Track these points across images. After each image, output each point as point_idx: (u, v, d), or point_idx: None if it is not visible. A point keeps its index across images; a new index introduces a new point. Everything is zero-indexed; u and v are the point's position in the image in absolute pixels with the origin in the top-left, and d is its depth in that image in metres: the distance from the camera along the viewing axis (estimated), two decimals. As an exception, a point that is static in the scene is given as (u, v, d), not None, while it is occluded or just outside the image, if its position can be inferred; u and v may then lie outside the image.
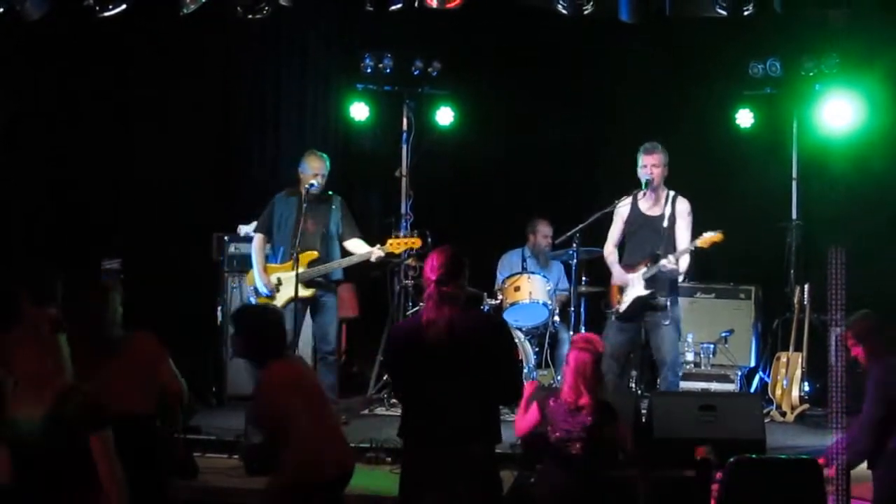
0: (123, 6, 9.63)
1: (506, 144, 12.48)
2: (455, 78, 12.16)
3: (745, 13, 9.53)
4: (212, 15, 10.06)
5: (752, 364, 11.47)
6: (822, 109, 11.42)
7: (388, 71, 11.83)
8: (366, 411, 10.65)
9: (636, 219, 9.66)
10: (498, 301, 10.97)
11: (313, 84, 12.48)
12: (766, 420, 9.69)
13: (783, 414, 10.63)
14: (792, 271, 11.44)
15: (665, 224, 9.52)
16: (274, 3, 9.86)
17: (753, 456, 7.63)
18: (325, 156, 10.07)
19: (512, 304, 10.83)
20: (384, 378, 10.90)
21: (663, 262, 9.33)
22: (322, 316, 9.98)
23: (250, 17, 9.95)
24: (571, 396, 7.22)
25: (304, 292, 9.81)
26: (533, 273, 11.03)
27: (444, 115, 12.30)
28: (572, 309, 10.43)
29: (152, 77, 11.52)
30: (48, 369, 5.58)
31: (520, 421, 7.49)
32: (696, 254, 9.57)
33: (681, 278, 9.92)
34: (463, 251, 6.24)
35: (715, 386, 11.00)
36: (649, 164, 9.52)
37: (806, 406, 10.61)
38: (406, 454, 6.21)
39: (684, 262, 9.49)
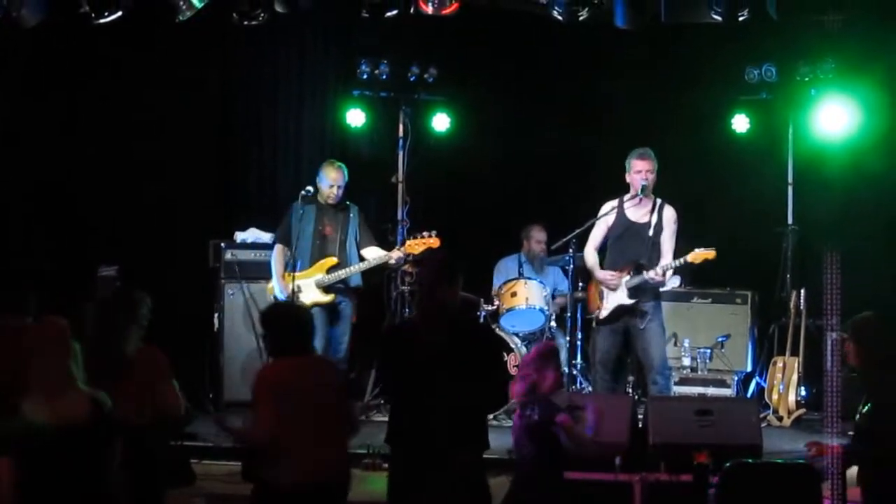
0: (119, 13, 9.61)
1: (502, 150, 12.49)
2: (451, 84, 12.18)
3: (741, 19, 9.53)
4: (208, 21, 10.06)
5: (749, 369, 11.48)
6: (818, 114, 11.42)
7: (384, 77, 11.84)
8: (363, 417, 10.65)
9: (621, 224, 9.68)
10: (494, 307, 10.98)
11: (310, 90, 12.47)
12: (763, 425, 9.70)
13: (780, 418, 10.64)
14: (788, 276, 11.45)
15: (651, 233, 9.55)
16: (270, 9, 9.86)
17: (750, 461, 7.64)
18: (342, 165, 10.17)
19: (508, 310, 10.85)
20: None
21: (650, 274, 9.36)
22: (338, 324, 10.08)
23: (246, 23, 9.95)
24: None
25: (324, 298, 9.86)
26: (529, 279, 11.05)
27: (441, 122, 12.31)
28: (569, 314, 10.44)
29: (149, 84, 11.52)
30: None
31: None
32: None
33: (673, 282, 9.97)
34: (459, 257, 6.25)
35: (711, 391, 11.02)
36: (644, 170, 9.54)
37: (802, 410, 10.63)
38: (393, 460, 6.21)
39: (669, 274, 9.53)
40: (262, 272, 11.06)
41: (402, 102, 11.93)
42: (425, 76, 11.89)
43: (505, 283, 11.09)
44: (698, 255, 9.39)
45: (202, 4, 9.68)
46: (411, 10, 9.84)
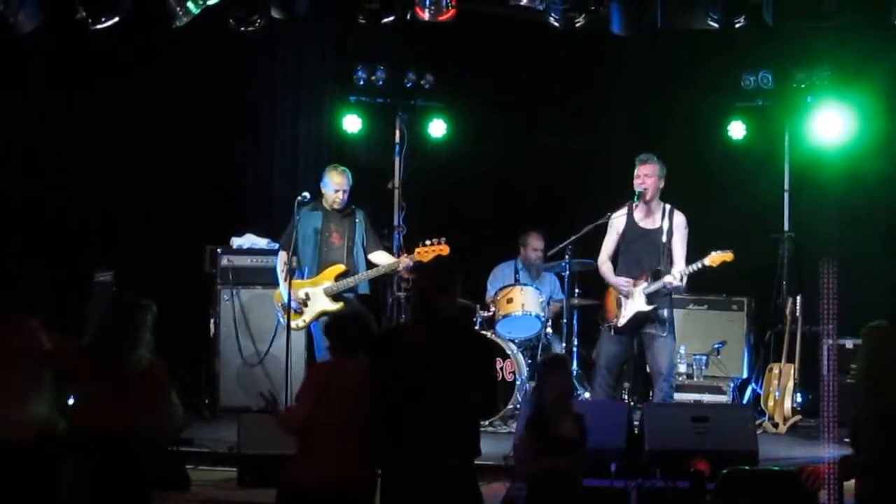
0: (116, 19, 9.62)
1: (498, 156, 12.48)
2: (448, 90, 12.18)
3: (737, 26, 9.55)
4: (205, 27, 10.06)
5: (745, 375, 11.48)
6: (814, 121, 11.45)
7: (380, 83, 11.85)
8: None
9: (631, 231, 9.67)
10: (491, 313, 10.98)
11: (306, 96, 12.47)
12: (759, 431, 9.69)
13: (775, 425, 10.64)
14: (784, 283, 11.46)
15: (664, 239, 9.55)
16: (267, 15, 9.87)
17: (747, 468, 7.64)
18: (346, 170, 10.15)
19: (505, 316, 10.85)
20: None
21: (668, 279, 9.37)
22: None
23: (243, 29, 9.96)
24: None
25: (333, 306, 9.82)
26: (526, 285, 11.05)
27: (437, 127, 12.31)
28: (565, 321, 10.44)
29: (145, 89, 11.52)
30: None
31: None
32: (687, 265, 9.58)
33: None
34: (455, 263, 6.26)
35: (707, 397, 11.01)
36: (642, 175, 9.55)
37: (798, 417, 10.63)
38: (385, 465, 6.20)
39: (685, 279, 9.54)
40: (258, 278, 11.08)
41: (398, 108, 11.93)
42: (422, 82, 11.89)
43: (501, 289, 11.09)
44: (716, 258, 9.40)
45: (199, 10, 9.69)
46: (408, 17, 9.85)
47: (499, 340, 10.65)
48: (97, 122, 11.51)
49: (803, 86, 11.34)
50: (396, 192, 11.70)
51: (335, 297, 9.91)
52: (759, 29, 9.68)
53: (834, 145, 11.35)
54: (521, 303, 10.84)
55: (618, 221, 9.74)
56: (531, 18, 10.03)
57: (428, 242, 9.86)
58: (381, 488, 6.18)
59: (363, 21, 9.88)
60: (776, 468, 7.92)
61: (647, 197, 9.59)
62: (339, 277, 9.96)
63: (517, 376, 10.53)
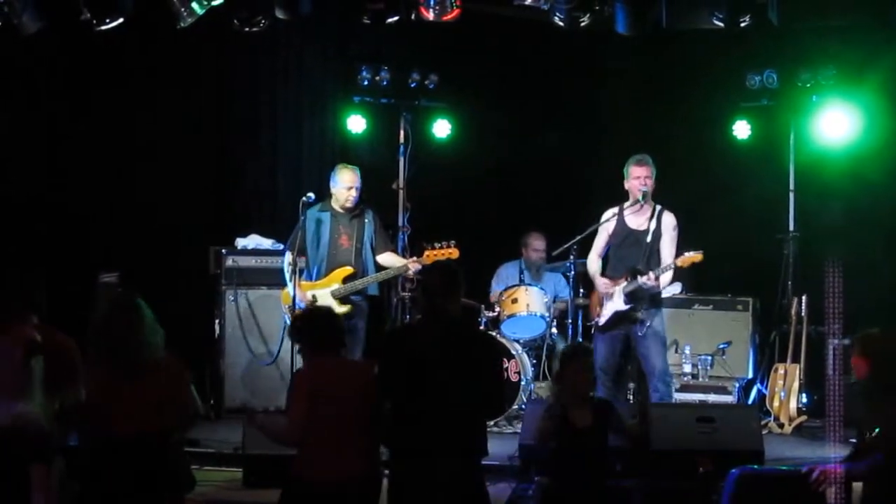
0: (120, 20, 9.63)
1: (503, 156, 12.50)
2: (452, 90, 12.18)
3: (742, 25, 9.55)
4: (208, 28, 10.07)
5: (750, 376, 11.45)
6: (819, 121, 11.44)
7: (384, 83, 11.84)
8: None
9: (621, 232, 9.67)
10: (495, 313, 10.97)
11: (310, 97, 12.47)
12: (764, 432, 9.68)
13: (781, 426, 10.62)
14: (789, 283, 11.42)
15: (649, 239, 9.53)
16: (271, 16, 9.88)
17: (755, 467, 7.62)
18: (357, 168, 10.11)
19: (509, 317, 10.84)
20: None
21: (643, 279, 9.33)
22: (351, 337, 9.94)
23: (247, 30, 9.97)
24: None
25: (340, 309, 9.80)
26: (530, 285, 11.04)
27: (441, 128, 12.30)
28: (569, 321, 10.44)
29: (149, 90, 11.53)
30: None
31: None
32: (692, 267, 9.55)
33: (674, 289, 9.97)
34: (460, 263, 6.26)
35: (713, 398, 10.99)
36: (643, 177, 9.52)
37: (804, 418, 10.61)
38: (392, 464, 6.21)
39: (665, 279, 9.50)
40: (263, 278, 11.07)
41: (402, 109, 11.91)
42: (426, 82, 11.88)
43: (506, 289, 11.08)
44: (686, 258, 9.36)
45: (203, 11, 9.69)
46: (412, 17, 9.85)
47: (503, 341, 10.64)
48: (101, 123, 11.51)
49: (808, 85, 11.33)
50: (401, 192, 11.67)
51: (343, 299, 9.89)
52: (764, 28, 9.67)
53: (839, 144, 11.34)
54: (526, 303, 10.84)
55: (608, 222, 9.74)
56: (535, 18, 10.02)
57: (437, 245, 9.82)
58: (389, 488, 6.19)
59: (367, 21, 9.88)
60: (785, 468, 7.91)
61: (649, 197, 9.59)
62: (346, 280, 9.93)
63: (522, 377, 10.53)
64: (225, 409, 10.94)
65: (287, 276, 10.03)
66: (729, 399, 11.03)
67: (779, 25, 9.47)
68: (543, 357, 11.04)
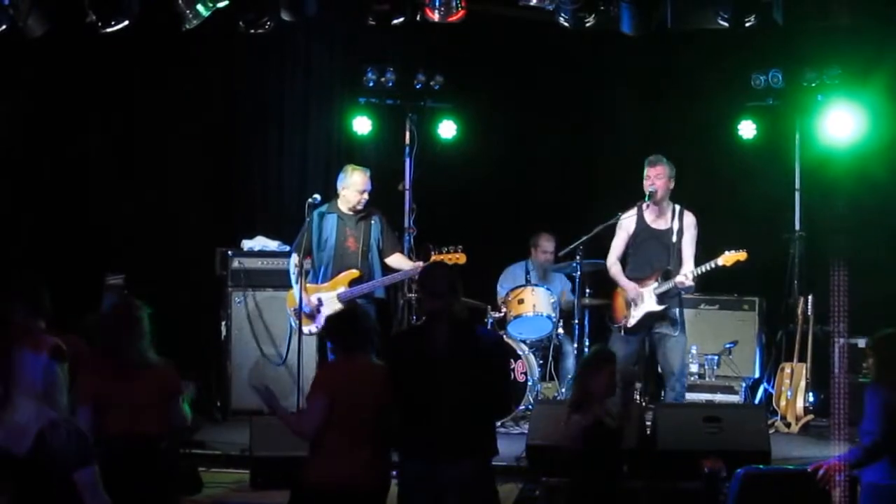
0: (126, 22, 9.64)
1: (508, 157, 12.49)
2: (457, 91, 12.17)
3: (747, 25, 9.54)
4: (214, 30, 10.08)
5: (757, 375, 11.46)
6: (825, 120, 11.42)
7: (390, 85, 11.83)
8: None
9: (642, 232, 9.68)
10: (502, 314, 10.97)
11: (316, 98, 12.48)
12: (771, 431, 9.68)
13: (788, 425, 10.62)
14: (795, 282, 11.43)
15: (674, 239, 9.56)
16: (276, 17, 9.89)
17: (762, 467, 7.62)
18: (368, 170, 10.10)
19: (516, 317, 10.84)
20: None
21: (680, 279, 9.38)
22: None
23: (252, 31, 9.98)
24: None
25: None
26: (537, 286, 11.04)
27: (447, 129, 12.30)
28: (576, 321, 10.43)
29: (155, 91, 11.55)
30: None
31: None
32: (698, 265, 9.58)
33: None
34: (466, 264, 6.27)
35: (719, 397, 10.99)
36: (652, 176, 9.56)
37: (810, 417, 10.61)
38: (402, 466, 6.22)
39: (692, 277, 9.52)
40: (269, 280, 11.09)
41: (408, 110, 11.90)
42: (431, 83, 11.87)
43: (512, 290, 11.08)
44: (729, 257, 9.41)
45: (209, 13, 9.71)
46: (417, 18, 9.85)
47: (510, 341, 10.64)
48: (107, 125, 11.53)
49: (813, 85, 11.31)
50: (406, 193, 11.67)
51: (348, 302, 9.88)
52: (769, 28, 9.66)
53: (844, 144, 11.32)
54: (533, 303, 10.84)
55: (627, 222, 9.74)
56: (541, 19, 10.02)
57: (444, 250, 9.82)
58: (399, 489, 6.20)
59: (373, 23, 9.89)
60: (791, 468, 7.91)
61: (658, 197, 9.60)
62: (353, 283, 9.93)
63: (528, 377, 10.52)
64: (231, 411, 10.95)
65: (293, 278, 10.03)
66: (736, 399, 11.03)
67: (784, 25, 9.46)
68: (550, 357, 11.05)
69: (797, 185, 11.77)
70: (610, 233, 9.85)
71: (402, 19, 9.79)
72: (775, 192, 11.83)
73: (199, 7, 9.69)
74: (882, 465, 6.49)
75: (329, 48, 12.47)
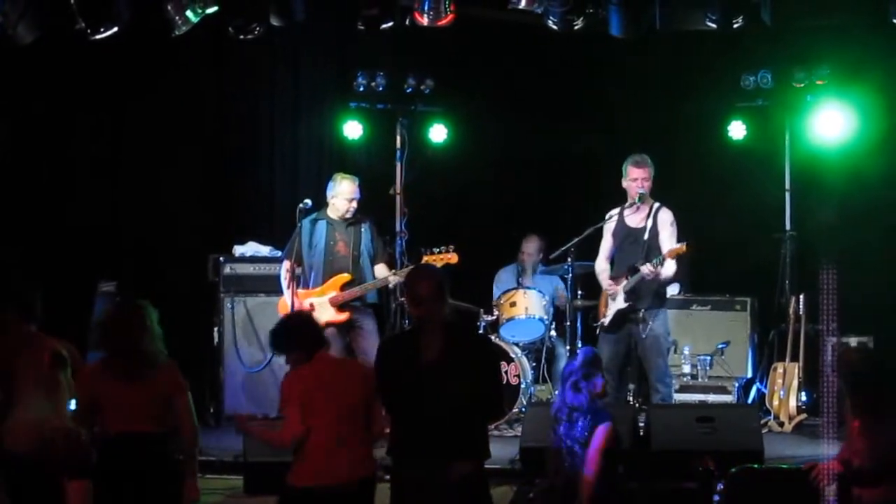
0: (115, 29, 9.64)
1: (499, 160, 12.50)
2: (448, 95, 12.17)
3: (736, 26, 9.56)
4: (204, 35, 10.08)
5: (749, 375, 11.46)
6: (815, 120, 11.44)
7: (380, 89, 11.82)
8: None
9: (621, 232, 9.72)
10: (494, 317, 10.99)
11: (307, 103, 12.48)
12: (764, 431, 9.72)
13: (781, 424, 10.63)
14: (787, 282, 11.43)
15: (646, 237, 9.56)
16: (266, 23, 9.88)
17: (755, 466, 7.64)
18: (356, 178, 10.12)
19: (508, 320, 10.87)
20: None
21: (644, 269, 9.34)
22: (363, 339, 9.94)
23: (242, 37, 9.97)
24: None
25: (339, 316, 9.81)
26: (529, 288, 11.06)
27: (438, 133, 12.29)
28: (568, 323, 10.45)
29: (146, 97, 11.55)
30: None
31: None
32: (690, 266, 9.59)
33: (672, 290, 10.00)
34: (458, 268, 6.26)
35: (712, 397, 11.00)
36: (640, 178, 9.57)
37: (803, 416, 10.62)
38: (395, 472, 6.21)
39: (667, 271, 9.48)
40: (261, 286, 11.08)
41: (399, 114, 11.89)
42: (422, 87, 11.87)
43: (504, 292, 11.11)
44: (670, 251, 9.38)
45: (198, 19, 9.71)
46: (407, 22, 9.86)
47: (503, 344, 10.66)
48: (98, 132, 11.53)
49: (803, 85, 11.32)
50: (398, 198, 11.67)
51: (341, 307, 9.90)
52: (758, 29, 9.68)
53: (834, 144, 11.35)
54: (525, 306, 10.86)
55: (610, 224, 9.79)
56: (530, 22, 10.03)
57: (436, 251, 9.83)
58: (392, 493, 6.20)
59: (362, 27, 9.89)
60: (784, 466, 7.93)
61: (647, 197, 9.63)
62: (344, 287, 9.94)
63: (522, 380, 10.53)
64: (224, 417, 10.94)
65: (284, 285, 10.04)
66: (728, 399, 11.04)
67: (772, 26, 9.48)
68: (543, 360, 11.06)
69: (787, 186, 11.79)
70: (601, 235, 9.88)
71: (391, 24, 9.79)
72: (766, 192, 11.85)
73: (189, 13, 9.69)
74: None
75: (319, 53, 12.48)
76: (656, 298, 9.63)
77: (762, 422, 9.91)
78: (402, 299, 10.98)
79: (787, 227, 11.71)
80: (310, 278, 10.04)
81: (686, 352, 11.22)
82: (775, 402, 10.76)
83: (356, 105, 12.04)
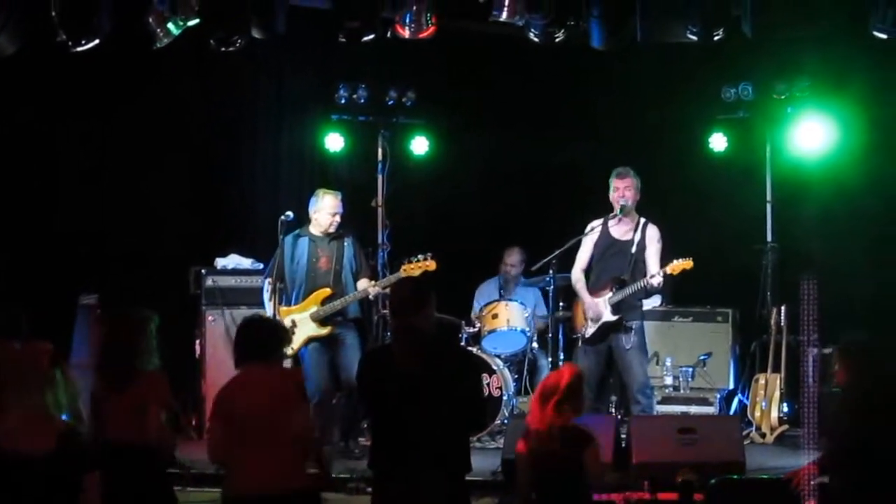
0: (96, 41, 9.61)
1: (481, 173, 12.51)
2: (429, 107, 12.20)
3: (716, 38, 9.57)
4: (185, 48, 10.07)
5: (731, 386, 11.49)
6: (795, 132, 11.48)
7: (362, 101, 11.84)
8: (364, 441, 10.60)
9: (605, 243, 9.74)
10: (476, 329, 10.99)
11: (288, 115, 12.48)
12: (746, 442, 9.74)
13: (763, 435, 10.65)
14: (768, 293, 11.46)
15: (634, 250, 9.60)
16: (247, 35, 9.87)
17: (735, 477, 7.65)
18: (339, 193, 10.12)
19: (490, 332, 10.87)
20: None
21: (650, 280, 9.37)
22: (346, 352, 9.91)
23: (224, 49, 9.96)
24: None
25: (321, 331, 9.80)
26: (510, 300, 11.07)
27: (419, 145, 12.31)
28: (550, 335, 10.46)
29: (127, 110, 11.52)
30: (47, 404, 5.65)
31: None
32: (671, 278, 9.62)
33: (653, 301, 10.02)
34: (440, 280, 6.26)
35: (694, 409, 11.02)
36: (622, 188, 9.62)
37: (785, 427, 10.64)
38: (376, 485, 6.20)
39: (655, 282, 9.55)
40: (243, 298, 11.06)
41: (380, 126, 11.91)
42: (403, 100, 11.89)
43: (486, 304, 11.12)
44: (676, 266, 9.44)
45: (179, 31, 9.70)
46: (389, 35, 9.87)
47: (485, 356, 10.66)
48: (78, 144, 11.50)
49: (784, 97, 11.38)
50: (380, 210, 11.67)
51: (322, 321, 9.88)
52: (738, 41, 9.70)
53: (815, 155, 11.39)
54: (507, 318, 10.87)
55: (591, 234, 9.81)
56: (511, 34, 10.05)
57: (414, 259, 9.84)
58: (373, 506, 6.19)
59: (343, 40, 9.89)
60: (765, 477, 7.95)
61: (628, 209, 9.65)
62: (325, 301, 9.93)
63: (504, 392, 10.54)
64: (206, 430, 10.89)
65: (266, 302, 10.03)
66: (710, 410, 11.06)
67: (753, 38, 9.50)
68: (525, 372, 11.06)
69: (769, 197, 11.82)
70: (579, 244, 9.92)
71: (372, 36, 9.80)
72: (747, 203, 11.88)
73: (170, 26, 9.68)
74: None
75: (301, 65, 12.47)
76: (637, 310, 9.67)
77: (744, 433, 9.94)
78: (385, 311, 11.00)
79: (769, 238, 11.74)
80: (292, 295, 10.02)
81: (668, 363, 11.24)
82: (757, 414, 10.78)
83: (338, 117, 12.06)
